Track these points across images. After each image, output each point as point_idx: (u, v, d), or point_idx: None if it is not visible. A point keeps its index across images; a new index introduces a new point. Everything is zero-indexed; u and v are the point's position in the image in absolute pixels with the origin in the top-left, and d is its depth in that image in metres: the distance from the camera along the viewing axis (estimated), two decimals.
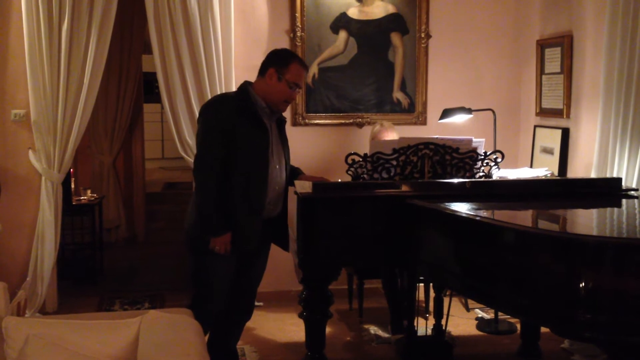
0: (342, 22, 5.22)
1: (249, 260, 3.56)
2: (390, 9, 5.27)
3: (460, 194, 3.53)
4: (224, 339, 3.70)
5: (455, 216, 3.20)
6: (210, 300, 3.46)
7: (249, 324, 4.76)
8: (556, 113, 4.87)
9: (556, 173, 4.69)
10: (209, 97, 4.62)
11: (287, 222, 3.65)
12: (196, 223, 3.43)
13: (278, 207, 3.52)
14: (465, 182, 3.57)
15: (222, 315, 3.61)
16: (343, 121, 5.32)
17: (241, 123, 3.32)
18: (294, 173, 3.70)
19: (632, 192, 3.67)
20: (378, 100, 5.35)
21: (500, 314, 4.68)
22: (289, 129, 5.18)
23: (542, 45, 5.06)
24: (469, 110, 4.77)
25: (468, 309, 5.05)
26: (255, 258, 3.60)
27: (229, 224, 3.35)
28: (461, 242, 3.15)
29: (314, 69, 5.21)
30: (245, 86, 3.48)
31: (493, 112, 4.82)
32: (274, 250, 5.09)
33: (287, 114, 5.20)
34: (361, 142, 5.09)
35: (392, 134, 4.56)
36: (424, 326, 4.33)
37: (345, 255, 3.59)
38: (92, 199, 6.07)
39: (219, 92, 4.83)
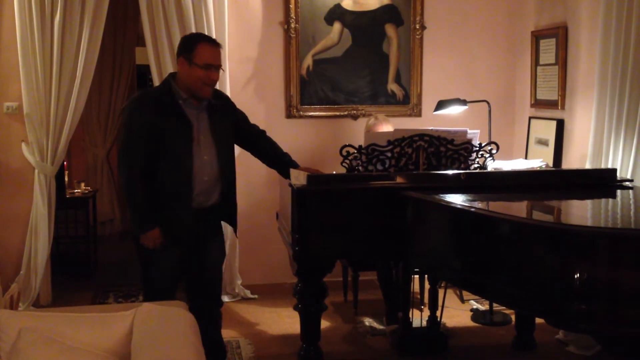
0: (336, 13, 5.20)
1: (196, 251, 3.51)
2: (385, 0, 5.25)
3: (455, 185, 3.52)
4: (203, 330, 3.68)
5: (450, 208, 3.19)
6: (157, 293, 3.41)
7: (244, 316, 4.78)
8: (551, 104, 4.87)
9: (551, 164, 4.69)
10: None
11: (233, 205, 3.61)
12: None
13: (213, 196, 3.45)
14: (460, 173, 3.57)
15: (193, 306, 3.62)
16: (338, 113, 5.30)
17: (161, 119, 3.28)
18: (287, 164, 3.68)
19: (627, 183, 3.67)
20: (373, 92, 5.33)
21: (495, 305, 4.69)
22: (283, 121, 5.19)
23: (537, 37, 5.05)
24: (463, 102, 4.76)
25: (463, 301, 5.06)
26: (203, 248, 3.52)
27: (157, 219, 3.34)
28: (456, 234, 3.14)
29: (308, 61, 5.19)
30: (167, 79, 3.44)
31: (488, 103, 4.81)
32: (269, 243, 5.11)
33: (281, 105, 5.21)
34: (356, 134, 5.07)
35: (386, 127, 4.55)
36: (419, 318, 4.33)
37: (340, 247, 3.58)
38: (86, 192, 6.06)
39: None
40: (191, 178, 3.33)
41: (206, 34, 4.77)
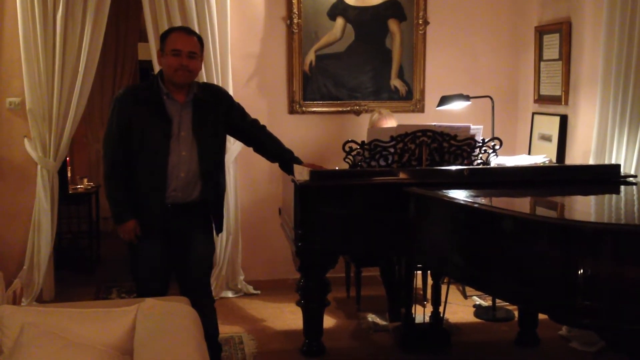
0: (339, 8, 5.18)
1: (180, 246, 3.50)
2: None
3: (458, 181, 3.52)
4: None
5: (453, 203, 3.19)
6: (144, 286, 3.45)
7: (247, 312, 4.79)
8: (554, 100, 4.85)
9: (554, 160, 4.68)
10: None
11: (218, 202, 3.59)
12: None
13: (193, 193, 3.44)
14: (463, 169, 3.56)
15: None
16: (340, 109, 5.29)
17: (141, 114, 3.33)
18: (289, 160, 3.67)
19: (631, 179, 3.66)
20: (375, 87, 5.32)
21: (497, 301, 4.68)
22: (286, 117, 5.19)
23: (541, 32, 5.03)
24: (467, 98, 4.75)
25: (466, 297, 5.05)
26: (187, 243, 3.51)
27: (134, 212, 3.38)
28: (459, 230, 3.14)
29: (311, 57, 5.18)
30: (155, 76, 3.50)
31: (491, 99, 4.80)
32: (272, 239, 5.10)
33: (283, 101, 5.21)
34: (359, 130, 5.07)
35: (391, 122, 4.53)
36: (421, 314, 4.33)
37: (343, 243, 3.58)
38: (89, 187, 6.06)
39: (215, 81, 4.81)
40: (166, 174, 3.35)
41: (208, 29, 4.77)
